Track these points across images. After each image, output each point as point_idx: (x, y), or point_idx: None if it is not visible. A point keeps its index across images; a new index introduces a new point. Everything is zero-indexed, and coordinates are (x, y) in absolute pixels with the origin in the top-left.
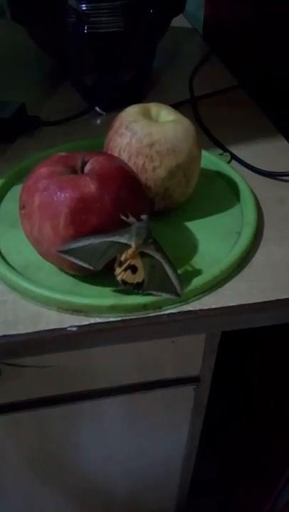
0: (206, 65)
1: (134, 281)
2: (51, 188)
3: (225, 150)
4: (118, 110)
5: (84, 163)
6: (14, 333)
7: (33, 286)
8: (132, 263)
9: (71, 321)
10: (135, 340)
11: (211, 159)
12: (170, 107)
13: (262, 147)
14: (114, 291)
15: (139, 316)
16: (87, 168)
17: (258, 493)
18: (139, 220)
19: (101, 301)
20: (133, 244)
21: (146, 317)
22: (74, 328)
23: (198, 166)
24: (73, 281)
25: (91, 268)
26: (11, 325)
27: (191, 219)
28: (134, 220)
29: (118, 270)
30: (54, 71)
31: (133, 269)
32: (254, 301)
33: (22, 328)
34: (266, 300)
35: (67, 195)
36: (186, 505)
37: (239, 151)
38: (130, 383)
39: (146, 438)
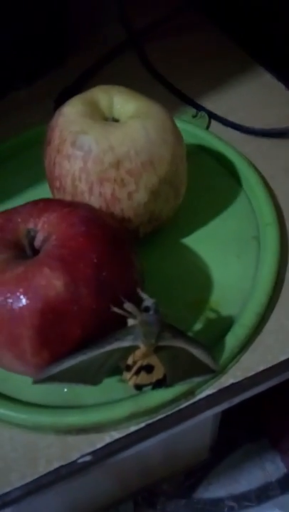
0: None
1: (153, 380)
2: None
3: (198, 107)
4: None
5: (32, 235)
6: (8, 489)
7: (12, 411)
8: (145, 363)
9: (79, 447)
10: (164, 437)
11: (186, 130)
12: (123, 88)
13: (244, 90)
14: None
15: (169, 413)
16: (38, 239)
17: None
18: (139, 303)
19: (114, 413)
20: (142, 346)
21: (177, 411)
22: (87, 458)
23: (185, 163)
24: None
25: (88, 385)
26: (0, 476)
27: (189, 233)
28: (134, 309)
29: (127, 375)
30: None
31: (148, 368)
32: None
33: (17, 478)
34: None
35: (23, 308)
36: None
37: (217, 103)
38: None
39: None
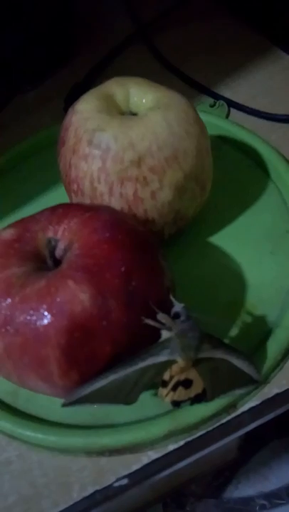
0: None
1: (192, 396)
2: (17, 320)
3: (216, 96)
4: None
5: (53, 245)
6: None
7: (40, 433)
8: (183, 378)
9: (114, 469)
10: (203, 454)
11: (205, 121)
12: (139, 79)
13: (264, 75)
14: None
15: (210, 429)
16: (59, 248)
17: None
18: (169, 310)
19: (150, 432)
20: (180, 360)
21: (219, 426)
22: (124, 482)
23: (210, 156)
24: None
25: (122, 405)
26: (31, 503)
27: (217, 230)
28: (168, 319)
29: (164, 391)
30: None
31: (186, 383)
32: None
33: (50, 506)
34: None
35: (48, 326)
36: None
37: (235, 90)
38: None
39: None
